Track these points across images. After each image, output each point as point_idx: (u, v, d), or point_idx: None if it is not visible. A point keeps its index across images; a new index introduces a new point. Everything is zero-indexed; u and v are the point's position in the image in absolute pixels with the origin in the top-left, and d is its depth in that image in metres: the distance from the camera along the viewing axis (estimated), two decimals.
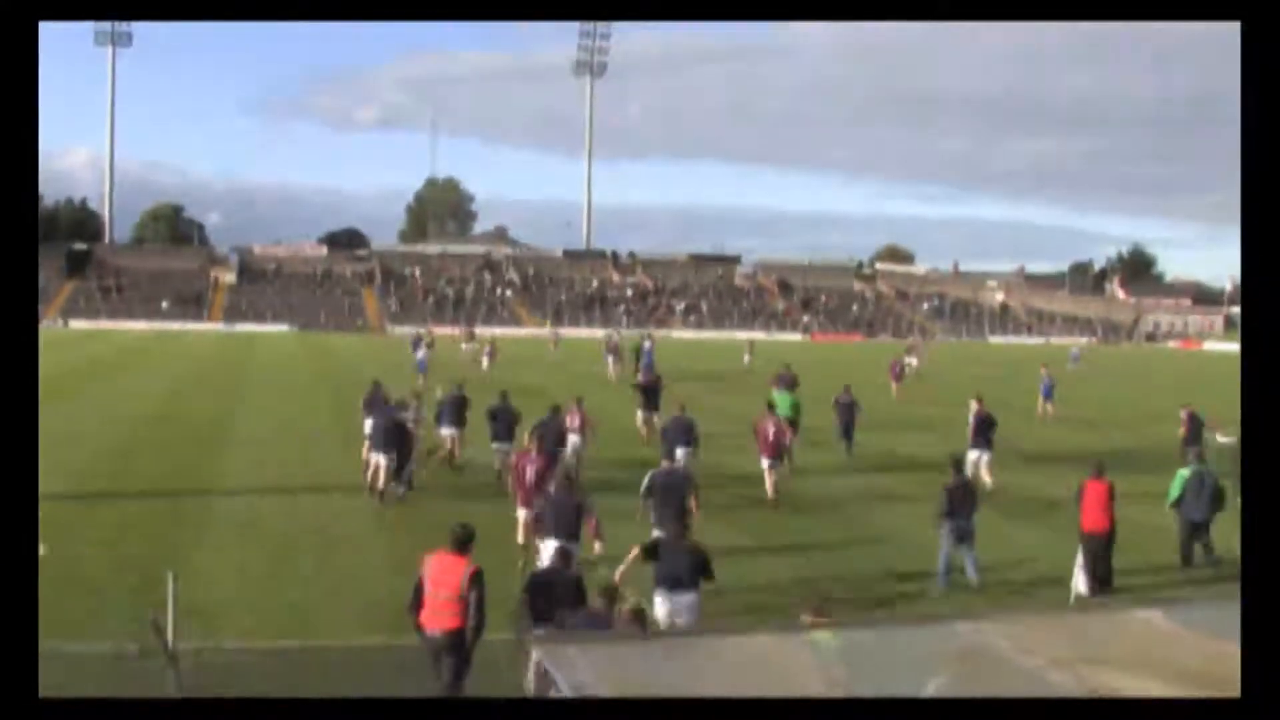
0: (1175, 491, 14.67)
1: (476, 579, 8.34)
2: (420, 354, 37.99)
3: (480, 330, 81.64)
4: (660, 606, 9.58)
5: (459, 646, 8.29)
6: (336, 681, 9.18)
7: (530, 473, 13.82)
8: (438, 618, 8.32)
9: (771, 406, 20.07)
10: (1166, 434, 23.56)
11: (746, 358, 47.85)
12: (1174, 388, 37.05)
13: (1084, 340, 76.52)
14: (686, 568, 9.69)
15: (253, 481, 18.22)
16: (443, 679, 8.36)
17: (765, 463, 17.85)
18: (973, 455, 18.64)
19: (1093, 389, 31.65)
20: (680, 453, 17.37)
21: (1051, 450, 23.99)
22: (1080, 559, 10.84)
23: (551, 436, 17.15)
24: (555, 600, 8.70)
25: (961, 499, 13.23)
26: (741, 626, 6.67)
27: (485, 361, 41.09)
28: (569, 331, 77.17)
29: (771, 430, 18.00)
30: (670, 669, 3.95)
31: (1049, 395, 30.18)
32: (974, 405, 19.98)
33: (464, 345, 50.12)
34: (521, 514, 13.59)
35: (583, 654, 3.93)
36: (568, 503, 11.69)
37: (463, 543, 8.65)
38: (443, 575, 8.41)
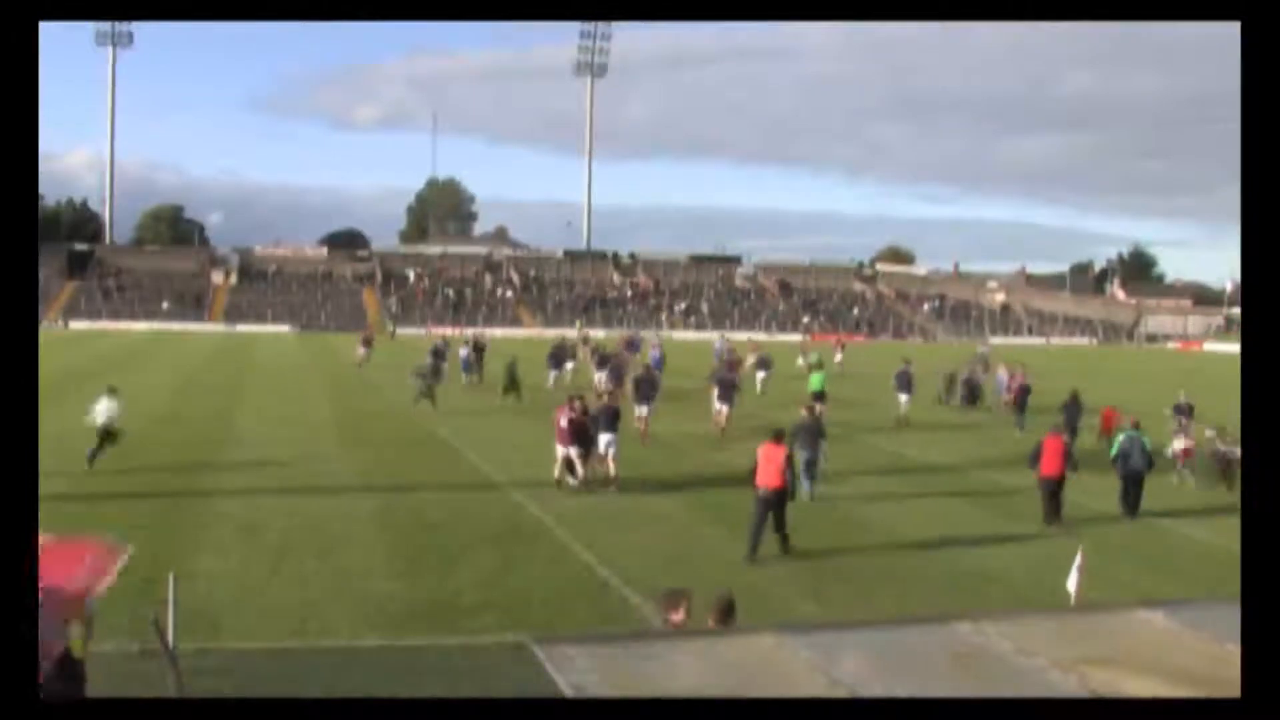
0: (1115, 450, 17.51)
1: (789, 459, 14.04)
2: (463, 353, 37.61)
3: (480, 331, 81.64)
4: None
5: (781, 498, 13.61)
6: (336, 681, 9.18)
7: (564, 422, 17.74)
8: (768, 480, 13.57)
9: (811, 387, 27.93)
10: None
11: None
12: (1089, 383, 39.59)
13: (995, 341, 78.89)
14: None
15: (253, 481, 18.21)
16: (771, 524, 13.55)
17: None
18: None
19: (991, 384, 34.73)
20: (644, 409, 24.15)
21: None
22: (1078, 559, 11.02)
23: (615, 374, 28.59)
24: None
25: (808, 435, 17.34)
26: (741, 627, 6.66)
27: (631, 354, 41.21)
28: (567, 332, 76.78)
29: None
30: (670, 669, 3.95)
31: (1002, 390, 33.23)
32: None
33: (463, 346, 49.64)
34: (559, 451, 17.86)
35: (583, 654, 3.93)
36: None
37: (779, 436, 14.25)
38: (770, 454, 13.77)
